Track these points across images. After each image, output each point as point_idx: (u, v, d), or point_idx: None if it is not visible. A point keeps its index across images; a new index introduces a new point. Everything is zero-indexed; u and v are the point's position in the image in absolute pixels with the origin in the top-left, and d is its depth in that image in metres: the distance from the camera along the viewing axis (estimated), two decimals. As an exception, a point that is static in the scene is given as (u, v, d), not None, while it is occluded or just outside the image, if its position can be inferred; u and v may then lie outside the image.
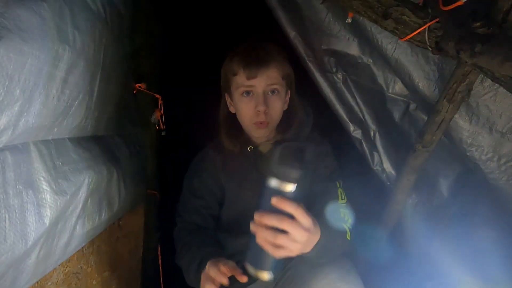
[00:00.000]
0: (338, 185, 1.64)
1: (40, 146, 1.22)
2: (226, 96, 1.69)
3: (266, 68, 1.54)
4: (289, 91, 1.70)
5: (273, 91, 1.57)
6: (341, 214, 1.52)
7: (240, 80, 1.56)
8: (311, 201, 1.60)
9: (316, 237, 1.18)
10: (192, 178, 1.77)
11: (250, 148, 1.70)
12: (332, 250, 1.34)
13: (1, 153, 1.02)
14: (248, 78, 1.54)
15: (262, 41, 1.64)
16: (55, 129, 1.31)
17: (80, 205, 1.42)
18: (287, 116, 1.68)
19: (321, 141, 1.78)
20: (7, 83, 0.93)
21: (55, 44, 1.12)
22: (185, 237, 1.67)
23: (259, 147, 1.72)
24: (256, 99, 1.55)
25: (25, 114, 1.06)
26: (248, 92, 1.56)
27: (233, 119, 1.69)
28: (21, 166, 1.10)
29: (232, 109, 1.68)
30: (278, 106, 1.60)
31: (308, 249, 1.18)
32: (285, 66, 1.63)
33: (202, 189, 1.73)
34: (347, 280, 1.39)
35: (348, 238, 1.45)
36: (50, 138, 1.31)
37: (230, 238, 1.70)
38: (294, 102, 1.71)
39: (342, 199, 1.60)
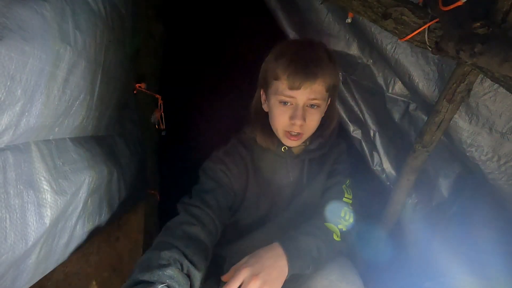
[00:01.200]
0: (347, 182, 1.61)
1: (41, 146, 1.23)
2: (262, 92, 1.58)
3: (312, 82, 1.40)
4: (330, 99, 1.58)
5: (313, 105, 1.45)
6: (341, 213, 1.49)
7: (281, 87, 1.42)
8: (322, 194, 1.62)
9: (281, 267, 1.21)
10: (216, 165, 1.58)
11: (284, 148, 1.60)
12: (318, 257, 1.34)
13: (2, 153, 1.02)
14: (291, 89, 1.40)
15: (313, 44, 1.50)
16: (56, 129, 1.31)
17: (81, 205, 1.43)
18: (322, 123, 1.58)
19: (339, 140, 1.72)
20: (8, 83, 0.94)
21: (57, 44, 1.13)
22: (172, 236, 1.30)
23: (292, 148, 1.62)
24: (293, 110, 1.43)
25: (26, 114, 1.07)
26: (286, 102, 1.44)
27: (265, 117, 1.58)
28: (22, 166, 1.10)
29: (265, 108, 1.57)
30: (316, 119, 1.49)
31: (279, 279, 1.20)
32: (333, 76, 1.48)
33: (224, 179, 1.56)
34: (348, 280, 1.37)
35: (337, 239, 1.42)
36: (51, 138, 1.31)
37: (247, 242, 1.65)
38: (333, 109, 1.62)
39: (348, 193, 1.57)
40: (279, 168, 1.63)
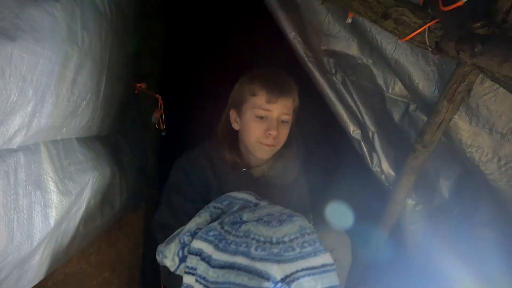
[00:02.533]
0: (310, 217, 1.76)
1: (49, 147, 1.23)
2: (232, 111, 1.71)
3: (286, 97, 1.61)
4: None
5: (284, 121, 1.63)
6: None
7: (259, 102, 1.59)
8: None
9: None
10: (182, 181, 1.68)
11: (244, 170, 1.72)
12: None
13: (15, 154, 1.02)
14: (268, 102, 1.58)
15: (281, 71, 1.68)
16: (64, 129, 1.31)
17: (84, 206, 1.43)
18: (284, 144, 1.72)
19: (301, 178, 1.87)
20: (20, 84, 0.94)
21: (65, 45, 1.13)
22: None
23: (252, 170, 1.74)
24: (269, 123, 1.60)
25: (37, 114, 1.07)
26: (262, 116, 1.60)
27: (234, 136, 1.73)
28: (32, 166, 1.10)
29: (236, 126, 1.71)
30: (285, 133, 1.67)
31: None
32: (297, 99, 1.69)
33: (195, 194, 1.67)
34: None
35: None
36: (59, 138, 1.32)
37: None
38: (293, 131, 1.75)
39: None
40: (238, 186, 1.67)
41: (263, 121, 1.60)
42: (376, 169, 1.95)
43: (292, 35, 1.96)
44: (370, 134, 1.93)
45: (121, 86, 1.78)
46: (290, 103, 1.63)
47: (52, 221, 1.19)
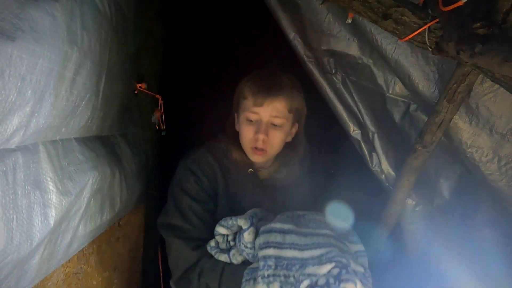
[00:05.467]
0: None
1: (48, 147, 1.23)
2: (234, 114, 1.71)
3: (273, 99, 1.56)
4: (296, 124, 1.73)
5: (275, 124, 1.60)
6: None
7: (248, 105, 1.58)
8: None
9: None
10: (189, 181, 1.66)
11: (250, 171, 1.72)
12: None
13: (13, 153, 1.03)
14: (255, 105, 1.56)
15: (279, 70, 1.67)
16: (63, 129, 1.31)
17: (84, 206, 1.43)
18: (290, 149, 1.74)
19: (310, 176, 1.90)
20: (19, 84, 0.94)
21: (65, 45, 1.13)
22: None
23: (259, 172, 1.76)
24: (258, 126, 1.58)
25: (36, 114, 1.07)
26: (252, 120, 1.59)
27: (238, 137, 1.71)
28: (31, 166, 1.11)
29: (237, 128, 1.70)
30: (278, 137, 1.63)
31: None
32: (295, 100, 1.64)
33: (203, 193, 1.65)
34: None
35: None
36: (58, 138, 1.32)
37: None
38: (300, 136, 1.76)
39: None
40: (245, 187, 1.71)
41: (252, 125, 1.59)
42: (376, 169, 1.95)
43: (292, 35, 1.95)
44: (370, 134, 1.93)
45: (121, 86, 1.79)
46: (282, 106, 1.59)
47: (51, 221, 1.20)
